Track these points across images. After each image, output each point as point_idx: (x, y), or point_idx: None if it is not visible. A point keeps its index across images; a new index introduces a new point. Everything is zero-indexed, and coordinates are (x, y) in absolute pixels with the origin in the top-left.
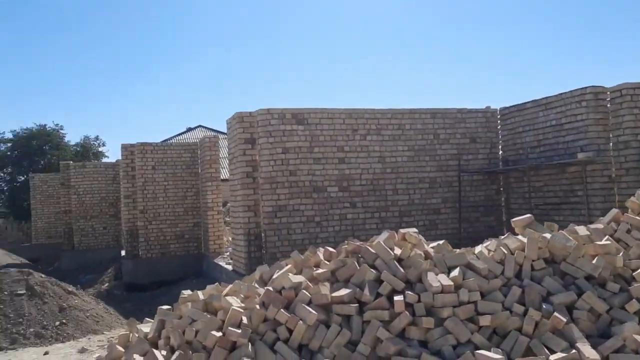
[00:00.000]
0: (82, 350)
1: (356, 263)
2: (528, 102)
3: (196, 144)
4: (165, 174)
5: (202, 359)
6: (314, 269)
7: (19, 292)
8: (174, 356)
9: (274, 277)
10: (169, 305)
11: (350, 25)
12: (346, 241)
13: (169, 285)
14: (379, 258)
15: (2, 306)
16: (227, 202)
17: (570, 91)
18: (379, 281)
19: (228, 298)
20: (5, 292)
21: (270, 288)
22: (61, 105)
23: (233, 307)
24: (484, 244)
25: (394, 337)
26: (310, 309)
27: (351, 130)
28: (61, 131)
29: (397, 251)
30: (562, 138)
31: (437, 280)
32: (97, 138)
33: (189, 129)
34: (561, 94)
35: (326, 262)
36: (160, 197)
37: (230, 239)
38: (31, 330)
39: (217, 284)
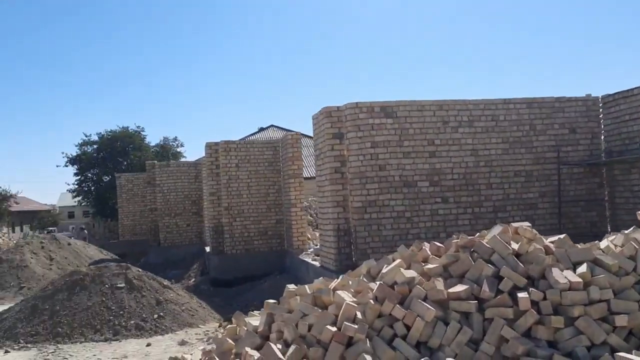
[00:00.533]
0: (182, 343)
1: (470, 258)
2: (635, 88)
3: (277, 142)
4: (248, 171)
5: (319, 354)
6: (422, 264)
7: (119, 285)
8: (291, 350)
9: (383, 271)
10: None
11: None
12: (457, 235)
13: (253, 280)
14: (495, 253)
15: (104, 299)
16: (304, 200)
17: None
18: (497, 277)
19: (339, 292)
20: (106, 285)
21: (383, 283)
22: (142, 107)
23: (347, 301)
24: (609, 238)
25: (520, 337)
26: (427, 305)
27: (442, 123)
28: (142, 132)
29: (514, 246)
30: None
31: (564, 276)
32: (175, 139)
33: (261, 129)
34: None
35: (435, 256)
36: (244, 194)
37: (309, 235)
38: (132, 322)
39: (322, 278)
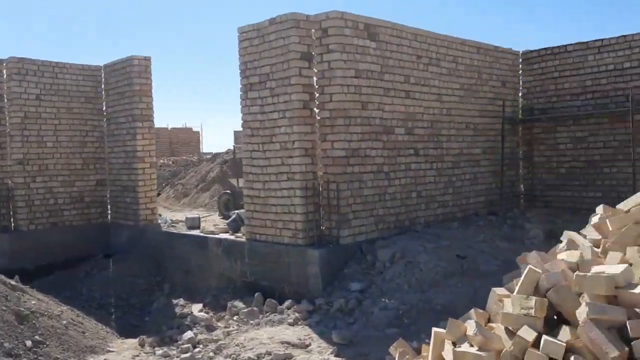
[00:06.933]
0: None
1: None
2: (569, 44)
3: (100, 68)
4: (55, 107)
5: None
6: None
7: None
8: None
9: None
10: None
11: None
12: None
13: (66, 268)
14: None
15: None
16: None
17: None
18: None
19: None
20: None
21: None
22: None
23: None
24: None
25: None
26: None
27: (416, 57)
28: None
29: None
30: (624, 84)
31: None
32: None
33: None
34: (624, 36)
35: None
36: (49, 141)
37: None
38: None
39: (577, 250)
